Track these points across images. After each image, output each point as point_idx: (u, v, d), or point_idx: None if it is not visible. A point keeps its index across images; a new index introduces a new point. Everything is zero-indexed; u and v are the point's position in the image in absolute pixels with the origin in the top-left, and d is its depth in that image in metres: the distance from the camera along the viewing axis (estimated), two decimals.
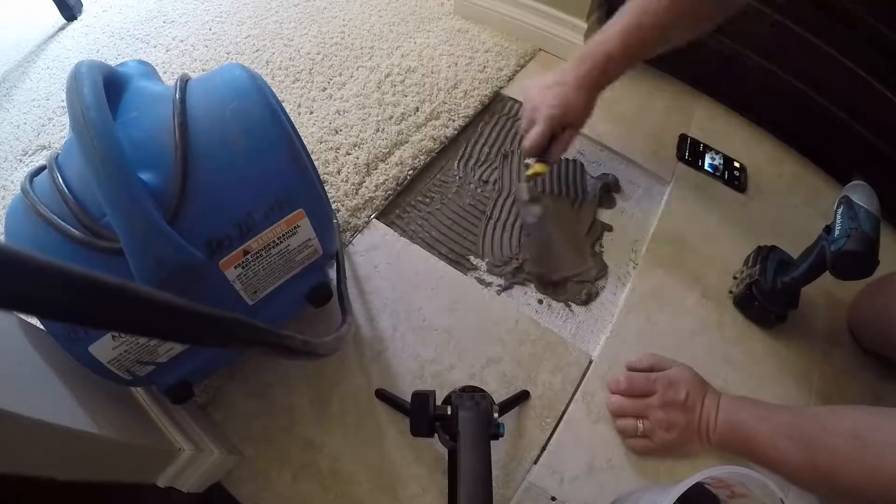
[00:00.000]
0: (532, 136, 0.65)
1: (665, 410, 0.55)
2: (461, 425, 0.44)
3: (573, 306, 0.67)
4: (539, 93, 0.67)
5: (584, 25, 0.90)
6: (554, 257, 0.69)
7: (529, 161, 0.69)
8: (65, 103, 0.38)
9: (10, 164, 0.76)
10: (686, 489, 0.40)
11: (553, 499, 0.54)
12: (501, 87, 0.90)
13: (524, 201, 0.71)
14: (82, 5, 1.01)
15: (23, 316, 0.44)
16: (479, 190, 0.77)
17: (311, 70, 0.89)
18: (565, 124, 0.66)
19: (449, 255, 0.70)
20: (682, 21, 0.63)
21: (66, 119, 0.81)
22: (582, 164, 0.81)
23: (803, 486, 0.51)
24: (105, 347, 0.39)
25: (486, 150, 0.82)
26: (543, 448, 0.57)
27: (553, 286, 0.68)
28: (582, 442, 0.57)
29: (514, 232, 0.72)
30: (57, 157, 0.41)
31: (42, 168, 0.41)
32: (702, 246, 0.74)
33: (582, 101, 0.65)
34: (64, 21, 0.99)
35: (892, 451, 0.44)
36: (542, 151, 0.66)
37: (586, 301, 0.68)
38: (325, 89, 0.87)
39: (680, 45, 0.66)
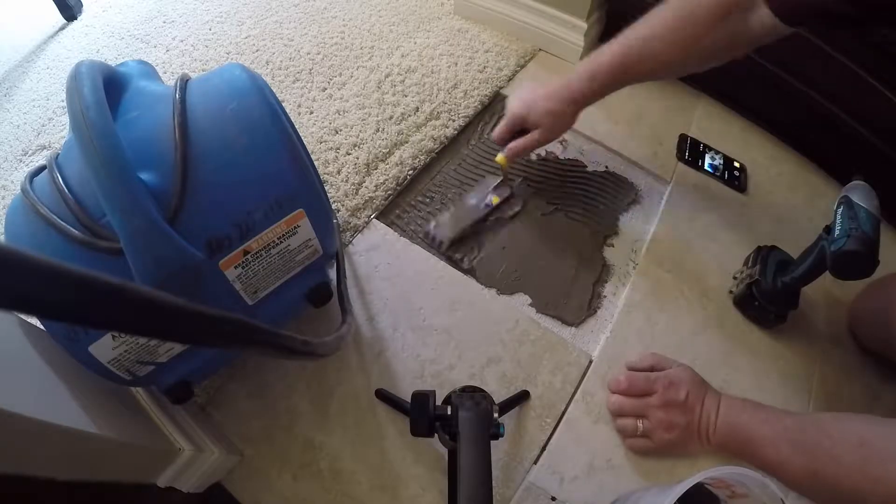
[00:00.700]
0: (498, 128, 0.72)
1: (665, 410, 0.55)
2: (461, 425, 0.44)
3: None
4: (522, 91, 0.71)
5: (584, 25, 0.90)
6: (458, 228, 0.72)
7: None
8: (65, 103, 0.38)
9: (10, 164, 0.76)
10: (686, 489, 0.40)
11: (553, 499, 0.54)
12: (501, 87, 0.90)
13: (489, 188, 0.75)
14: (82, 5, 1.01)
15: (23, 316, 0.44)
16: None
17: (311, 70, 0.89)
18: (528, 125, 0.68)
19: (449, 254, 0.70)
20: (685, 62, 0.61)
21: (66, 119, 0.81)
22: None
23: (802, 492, 0.51)
24: (105, 347, 0.39)
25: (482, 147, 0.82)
26: (543, 448, 0.57)
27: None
28: (582, 442, 0.57)
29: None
30: (57, 157, 0.41)
31: (42, 168, 0.42)
32: (702, 246, 0.74)
33: (547, 109, 0.66)
34: (64, 21, 0.99)
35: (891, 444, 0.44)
36: (503, 143, 0.71)
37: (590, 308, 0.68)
38: (325, 89, 0.87)
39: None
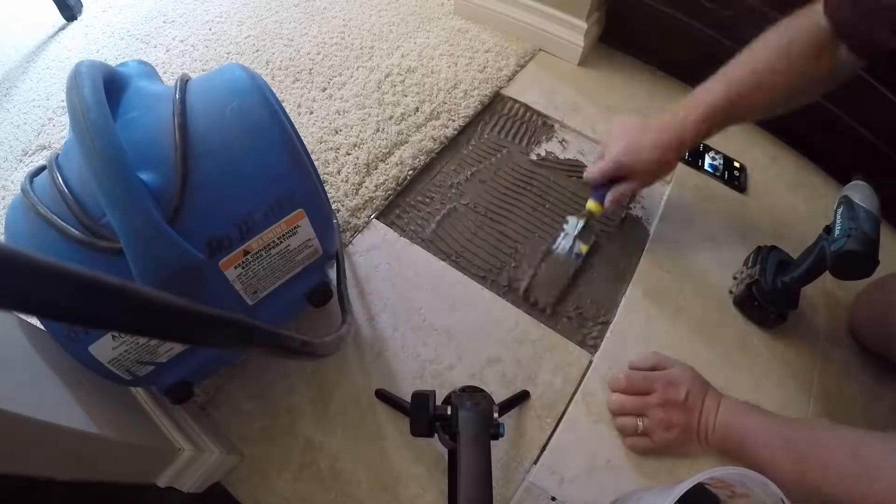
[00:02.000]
0: (593, 168, 0.66)
1: (665, 409, 0.55)
2: (461, 425, 0.44)
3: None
4: (624, 129, 0.66)
5: (584, 25, 0.90)
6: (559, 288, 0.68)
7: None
8: (65, 103, 0.38)
9: (10, 164, 0.76)
10: (686, 489, 0.40)
11: (553, 499, 0.54)
12: (501, 87, 0.90)
13: (573, 235, 0.71)
14: (82, 5, 1.01)
15: (23, 316, 0.44)
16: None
17: (311, 70, 0.89)
18: (633, 174, 0.64)
19: (449, 254, 0.70)
20: (789, 96, 0.60)
21: (66, 119, 0.81)
22: None
23: (791, 495, 0.51)
24: (105, 347, 0.39)
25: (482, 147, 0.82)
26: (543, 448, 0.57)
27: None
28: (582, 442, 0.57)
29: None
30: (57, 157, 0.41)
31: (42, 168, 0.42)
32: (702, 246, 0.74)
33: (658, 159, 0.63)
34: (64, 21, 0.99)
35: (887, 465, 0.44)
36: (597, 186, 0.67)
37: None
38: (325, 89, 0.87)
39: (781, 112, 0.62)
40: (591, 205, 0.67)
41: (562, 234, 0.72)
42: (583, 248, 0.70)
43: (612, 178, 0.66)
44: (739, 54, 0.60)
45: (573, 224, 0.72)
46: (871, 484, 0.44)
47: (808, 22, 0.55)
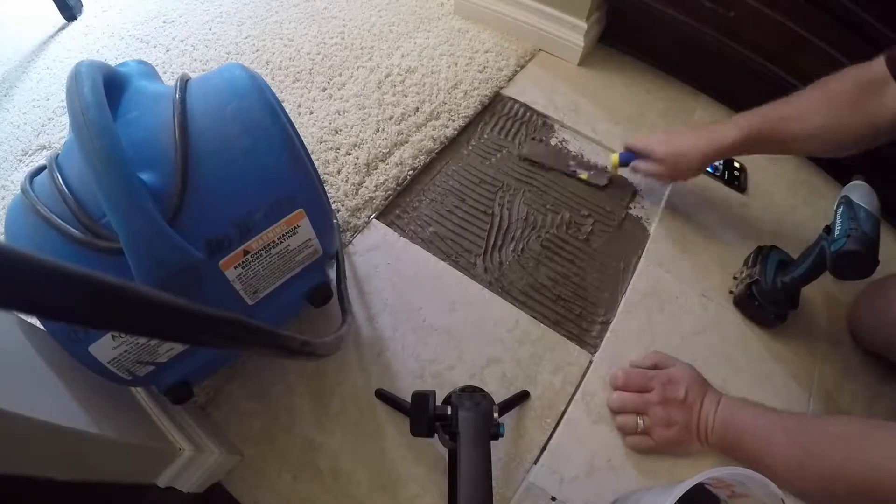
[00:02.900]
0: (637, 139, 0.74)
1: (664, 407, 0.55)
2: (461, 425, 0.44)
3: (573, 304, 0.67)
4: (670, 130, 0.78)
5: (584, 25, 0.90)
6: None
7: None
8: (65, 103, 0.38)
9: (10, 164, 0.76)
10: (686, 489, 0.40)
11: (553, 499, 0.54)
12: (501, 88, 0.90)
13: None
14: (82, 5, 1.01)
15: (23, 316, 0.44)
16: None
17: (311, 70, 0.89)
18: (659, 161, 0.71)
19: (449, 254, 0.70)
20: (827, 146, 0.63)
21: (66, 119, 0.81)
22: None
23: (790, 485, 0.51)
24: (105, 347, 0.39)
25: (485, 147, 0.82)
26: (543, 448, 0.57)
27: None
28: (582, 442, 0.57)
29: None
30: (57, 157, 0.41)
31: (42, 168, 0.42)
32: (702, 246, 0.74)
33: (690, 156, 0.68)
34: (64, 21, 0.99)
35: (886, 445, 0.44)
36: (628, 150, 0.76)
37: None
38: (325, 89, 0.87)
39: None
40: (614, 157, 0.76)
41: (589, 162, 0.81)
42: (584, 175, 0.79)
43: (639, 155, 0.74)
44: (789, 96, 0.63)
45: (600, 165, 0.82)
46: (869, 460, 0.44)
47: (861, 70, 0.57)
